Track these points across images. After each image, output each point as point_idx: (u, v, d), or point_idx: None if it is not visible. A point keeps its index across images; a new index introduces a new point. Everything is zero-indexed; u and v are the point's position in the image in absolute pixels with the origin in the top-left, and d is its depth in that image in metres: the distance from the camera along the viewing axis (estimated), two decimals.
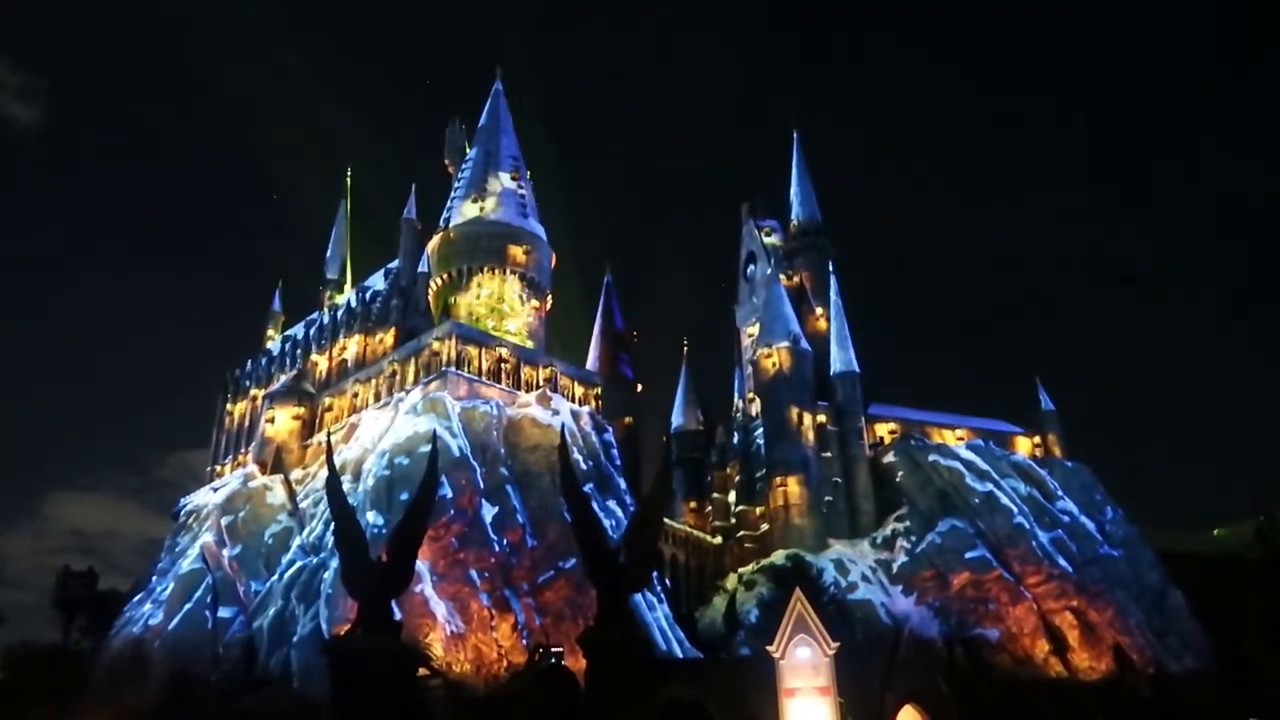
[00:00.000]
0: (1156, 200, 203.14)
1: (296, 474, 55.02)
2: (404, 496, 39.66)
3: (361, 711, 25.46)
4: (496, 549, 43.17)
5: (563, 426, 42.85)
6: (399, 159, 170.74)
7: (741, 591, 55.57)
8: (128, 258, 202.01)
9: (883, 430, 65.21)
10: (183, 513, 59.01)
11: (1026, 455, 65.67)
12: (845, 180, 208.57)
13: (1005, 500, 58.23)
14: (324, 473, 36.17)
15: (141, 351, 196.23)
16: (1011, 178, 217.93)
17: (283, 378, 63.90)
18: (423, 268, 62.49)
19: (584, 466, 47.50)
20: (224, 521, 51.21)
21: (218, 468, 67.21)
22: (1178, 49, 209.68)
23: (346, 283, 74.82)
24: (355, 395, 57.20)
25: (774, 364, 62.51)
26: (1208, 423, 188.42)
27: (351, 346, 61.91)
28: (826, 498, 59.86)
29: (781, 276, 69.13)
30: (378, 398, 55.05)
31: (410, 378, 53.43)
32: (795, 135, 77.78)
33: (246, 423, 66.91)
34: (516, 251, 61.79)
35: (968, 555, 54.94)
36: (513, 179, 65.24)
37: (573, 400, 55.38)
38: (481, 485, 44.93)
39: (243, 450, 64.42)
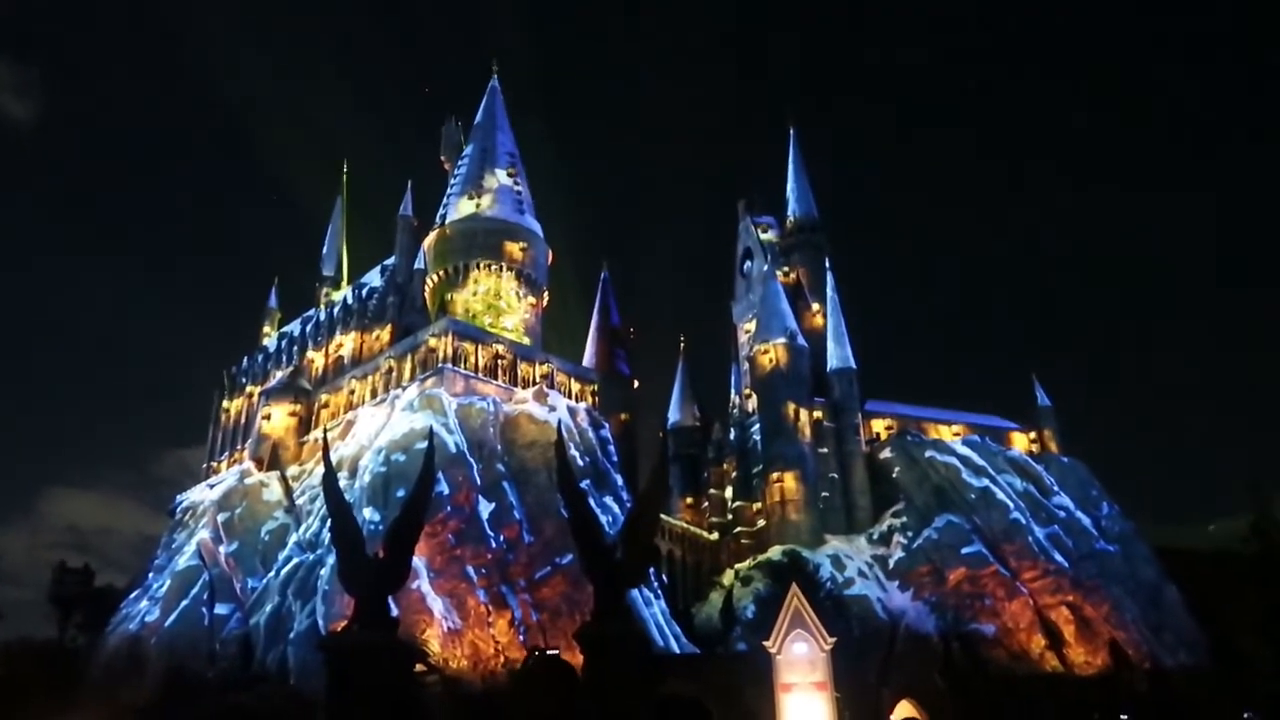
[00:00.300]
0: (1156, 199, 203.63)
1: (293, 470, 54.97)
2: (400, 493, 39.62)
3: (358, 708, 25.41)
4: (493, 545, 43.23)
5: (559, 423, 42.95)
6: (395, 156, 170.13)
7: (738, 587, 55.72)
8: (124, 255, 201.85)
9: (879, 426, 65.35)
10: (179, 509, 59.08)
11: (1023, 451, 65.78)
12: (842, 177, 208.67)
13: (1001, 496, 58.37)
14: (320, 469, 36.07)
15: (138, 348, 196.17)
16: (1010, 175, 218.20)
17: (279, 374, 63.82)
18: (419, 264, 62.47)
19: (581, 463, 47.55)
20: (220, 518, 51.19)
21: (214, 464, 67.20)
22: (1178, 49, 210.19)
23: (343, 279, 74.77)
24: (352, 392, 57.19)
25: (770, 360, 62.56)
26: (1203, 418, 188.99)
27: (348, 343, 61.85)
28: (823, 493, 59.99)
29: (778, 273, 69.22)
30: (374, 394, 55.03)
31: (407, 374, 53.43)
32: (792, 132, 77.91)
33: (243, 419, 66.91)
34: (513, 248, 61.81)
35: (964, 550, 55.17)
36: (509, 176, 65.27)
37: (569, 396, 55.40)
38: (478, 481, 44.97)
39: (239, 447, 64.41)
